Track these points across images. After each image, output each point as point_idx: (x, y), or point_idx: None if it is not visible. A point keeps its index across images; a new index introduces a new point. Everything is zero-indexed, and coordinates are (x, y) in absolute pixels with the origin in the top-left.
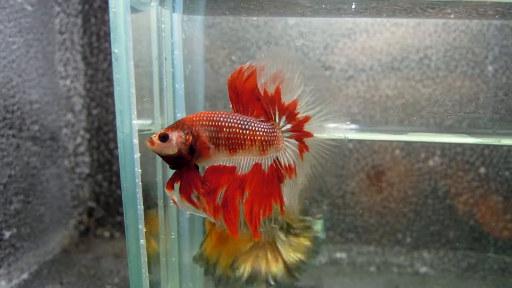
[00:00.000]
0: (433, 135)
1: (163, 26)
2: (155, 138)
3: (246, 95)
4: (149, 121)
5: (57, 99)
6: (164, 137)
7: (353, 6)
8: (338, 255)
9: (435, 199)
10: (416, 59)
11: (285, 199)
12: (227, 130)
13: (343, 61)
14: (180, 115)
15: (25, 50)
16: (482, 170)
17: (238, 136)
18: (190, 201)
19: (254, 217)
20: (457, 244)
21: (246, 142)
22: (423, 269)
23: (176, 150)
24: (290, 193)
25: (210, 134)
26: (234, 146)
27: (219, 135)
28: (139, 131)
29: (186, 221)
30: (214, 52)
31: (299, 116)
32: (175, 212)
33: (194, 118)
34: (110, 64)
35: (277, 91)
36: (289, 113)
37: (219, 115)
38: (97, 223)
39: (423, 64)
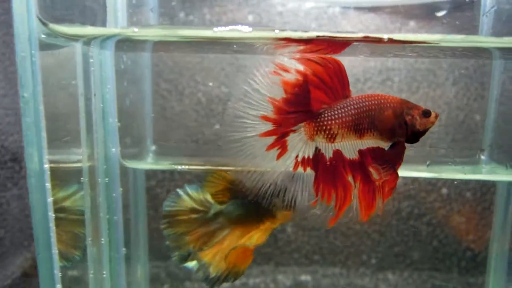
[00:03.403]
0: None
1: (91, 60)
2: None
3: None
4: (76, 157)
5: (19, 120)
6: None
7: None
8: (303, 277)
9: (399, 220)
10: (378, 81)
11: None
12: None
13: None
14: (115, 149)
15: None
16: (444, 191)
17: None
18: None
19: None
20: (422, 265)
21: None
22: None
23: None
24: None
25: None
26: None
27: None
28: (65, 167)
29: (122, 259)
30: (165, 79)
31: None
32: (107, 249)
33: None
34: None
35: None
36: None
37: None
38: None
39: (385, 85)
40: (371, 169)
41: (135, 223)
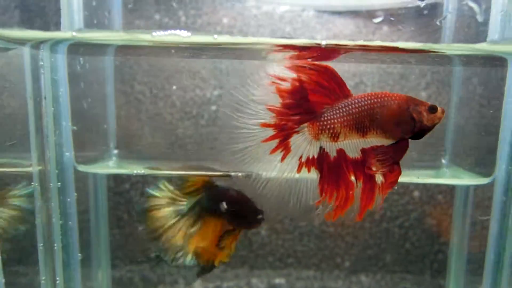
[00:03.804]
0: None
1: (41, 63)
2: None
3: None
4: (25, 161)
5: None
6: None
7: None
8: (277, 280)
9: (372, 222)
10: (352, 84)
11: None
12: None
13: None
14: (69, 154)
15: None
16: (416, 193)
17: None
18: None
19: None
20: (394, 267)
21: None
22: None
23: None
24: None
25: None
26: None
27: None
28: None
29: (77, 264)
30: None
31: None
32: (60, 255)
33: None
34: None
35: None
36: None
37: None
38: None
39: (359, 89)
40: (371, 163)
41: (96, 228)
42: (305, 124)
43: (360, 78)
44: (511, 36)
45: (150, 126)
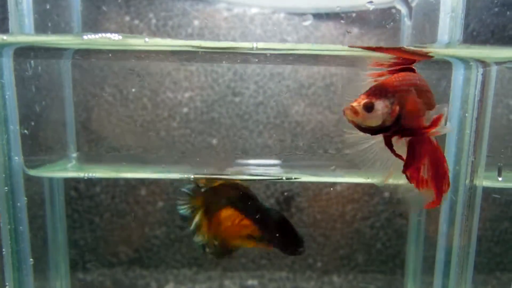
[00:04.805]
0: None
1: None
2: (359, 107)
3: None
4: None
5: None
6: (370, 108)
7: None
8: (250, 282)
9: (343, 223)
10: (322, 86)
11: None
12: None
13: (252, 88)
14: (17, 158)
15: None
16: (386, 194)
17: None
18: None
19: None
20: (366, 267)
21: None
22: None
23: (380, 122)
24: None
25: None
26: None
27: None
28: None
29: (29, 269)
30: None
31: None
32: (10, 260)
33: (395, 83)
34: None
35: None
36: None
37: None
38: None
39: (329, 90)
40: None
41: (53, 233)
42: None
43: (331, 80)
44: (458, 38)
45: (116, 128)
